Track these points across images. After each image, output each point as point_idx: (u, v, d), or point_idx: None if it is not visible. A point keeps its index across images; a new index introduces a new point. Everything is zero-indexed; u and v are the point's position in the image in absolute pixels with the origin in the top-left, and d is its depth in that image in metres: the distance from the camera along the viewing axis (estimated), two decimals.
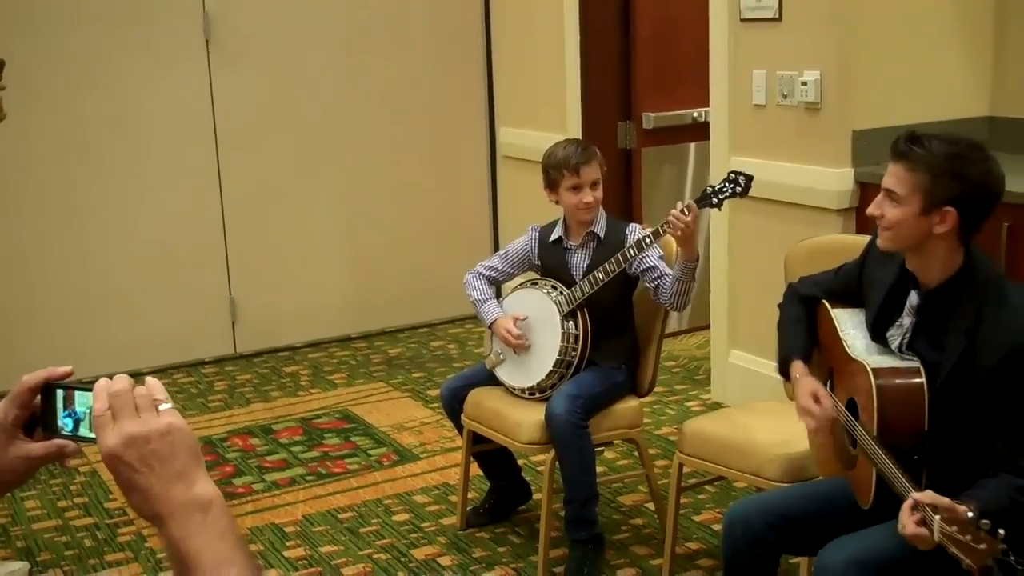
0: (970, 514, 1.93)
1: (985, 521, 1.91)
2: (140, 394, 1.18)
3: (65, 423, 1.26)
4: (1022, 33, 4.20)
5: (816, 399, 2.48)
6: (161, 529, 1.15)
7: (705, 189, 3.28)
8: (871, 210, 2.40)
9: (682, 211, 3.13)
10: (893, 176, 2.34)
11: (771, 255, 3.69)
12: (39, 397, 1.28)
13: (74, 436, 1.26)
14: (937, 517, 1.96)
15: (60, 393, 1.26)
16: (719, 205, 3.26)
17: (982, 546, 1.89)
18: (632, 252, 3.30)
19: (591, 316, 3.39)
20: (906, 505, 2.07)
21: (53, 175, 5.21)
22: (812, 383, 2.52)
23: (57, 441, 1.28)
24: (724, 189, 3.24)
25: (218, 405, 5.04)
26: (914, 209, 2.30)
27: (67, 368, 1.28)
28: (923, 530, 2.01)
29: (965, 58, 4.24)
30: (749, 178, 3.24)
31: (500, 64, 6.00)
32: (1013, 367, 2.20)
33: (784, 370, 2.67)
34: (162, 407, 1.18)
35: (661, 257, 3.37)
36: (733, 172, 3.28)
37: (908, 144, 2.32)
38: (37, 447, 1.28)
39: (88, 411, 1.23)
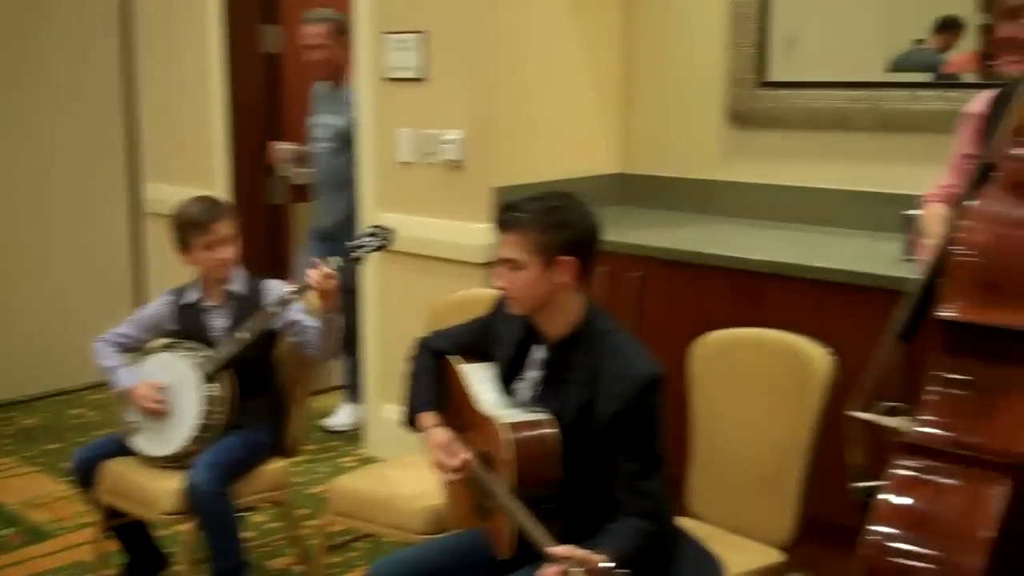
0: (606, 563, 2.00)
1: (620, 570, 1.99)
2: None
3: None
4: (645, 98, 4.51)
5: (449, 451, 2.49)
6: None
7: (345, 244, 3.27)
8: (498, 283, 2.45)
9: (325, 275, 3.11)
10: (507, 246, 2.41)
11: (421, 309, 3.71)
12: None
13: None
14: (577, 570, 2.00)
15: None
16: (358, 260, 3.26)
17: None
18: (275, 310, 3.23)
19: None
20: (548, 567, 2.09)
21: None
22: (444, 434, 2.54)
23: None
24: (365, 245, 3.25)
25: None
26: (536, 270, 2.38)
27: None
28: None
29: (598, 119, 4.50)
30: (389, 231, 3.26)
31: (147, 118, 5.78)
32: (626, 416, 2.30)
33: (412, 422, 2.65)
34: None
35: (304, 311, 3.32)
36: (373, 226, 3.30)
37: (510, 214, 2.41)
38: None
39: None
